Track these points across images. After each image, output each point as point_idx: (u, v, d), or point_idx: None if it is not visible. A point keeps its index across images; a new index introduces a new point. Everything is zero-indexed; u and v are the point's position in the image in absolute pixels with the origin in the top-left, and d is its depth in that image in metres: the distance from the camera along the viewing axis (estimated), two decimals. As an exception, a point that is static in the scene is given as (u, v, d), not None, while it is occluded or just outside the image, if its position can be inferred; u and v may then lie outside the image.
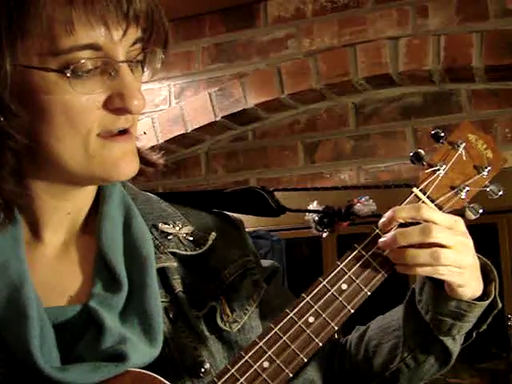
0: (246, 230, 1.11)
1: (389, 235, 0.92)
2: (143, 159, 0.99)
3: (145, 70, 0.92)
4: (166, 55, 0.93)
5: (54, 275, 0.93)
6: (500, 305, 1.00)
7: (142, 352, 0.87)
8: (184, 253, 0.98)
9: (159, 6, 0.89)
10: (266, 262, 1.12)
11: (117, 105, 0.85)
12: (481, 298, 0.97)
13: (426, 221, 0.91)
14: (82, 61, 0.82)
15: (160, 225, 0.99)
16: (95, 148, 0.86)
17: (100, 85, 0.84)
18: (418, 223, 0.92)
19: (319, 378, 1.07)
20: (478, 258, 0.96)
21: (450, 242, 0.90)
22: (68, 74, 0.81)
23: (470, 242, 0.93)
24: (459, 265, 0.91)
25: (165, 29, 0.91)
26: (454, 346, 1.00)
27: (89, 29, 0.81)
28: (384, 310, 1.10)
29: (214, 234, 1.02)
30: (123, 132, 0.88)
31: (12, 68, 0.81)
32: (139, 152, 0.99)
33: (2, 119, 0.83)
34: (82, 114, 0.84)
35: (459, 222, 0.93)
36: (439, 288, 0.96)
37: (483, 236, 2.61)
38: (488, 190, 0.98)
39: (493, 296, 0.99)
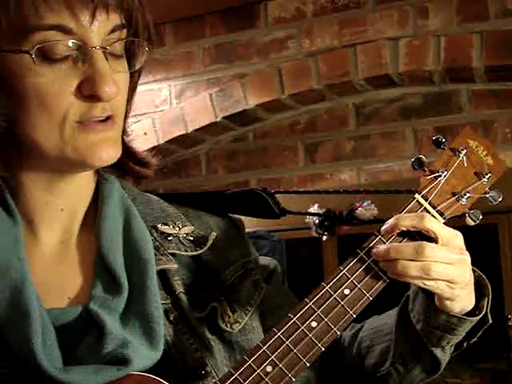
0: (247, 230, 1.11)
1: (382, 248, 0.92)
2: (136, 159, 1.00)
3: (134, 65, 0.93)
4: (152, 49, 0.92)
5: (53, 276, 0.93)
6: (490, 321, 1.00)
7: (143, 355, 0.87)
8: (184, 253, 0.98)
9: None
10: (264, 261, 1.12)
11: (88, 91, 0.85)
12: (472, 312, 0.98)
13: (427, 231, 0.92)
14: (51, 41, 0.82)
15: (160, 226, 0.99)
16: (70, 134, 0.86)
17: (73, 70, 0.85)
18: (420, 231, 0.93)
19: (315, 377, 1.08)
20: (474, 271, 0.97)
21: (444, 259, 0.91)
22: (33, 55, 0.82)
23: (467, 258, 0.93)
24: (451, 279, 0.91)
25: (146, 19, 0.91)
26: (443, 356, 1.01)
27: (54, 10, 0.82)
28: (384, 308, 1.10)
29: (214, 234, 1.02)
30: (104, 120, 0.88)
31: None
32: (133, 153, 0.99)
33: None
34: (54, 98, 0.84)
35: (458, 237, 0.93)
36: (431, 299, 0.97)
37: (484, 236, 2.61)
38: (488, 196, 0.99)
39: (484, 312, 0.99)
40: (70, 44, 0.84)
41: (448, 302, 0.94)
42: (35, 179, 0.92)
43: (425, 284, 0.91)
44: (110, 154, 0.89)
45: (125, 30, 0.89)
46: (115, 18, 0.87)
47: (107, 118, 0.88)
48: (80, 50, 0.84)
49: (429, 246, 0.90)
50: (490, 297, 1.00)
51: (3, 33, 0.82)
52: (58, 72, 0.84)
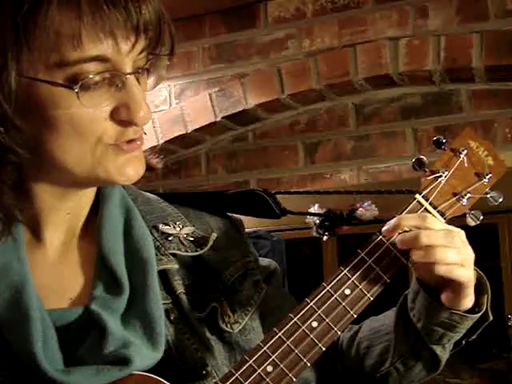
0: (247, 230, 1.11)
1: (412, 233, 0.92)
2: None
3: (150, 76, 0.92)
4: (171, 60, 0.92)
5: (54, 277, 0.93)
6: (491, 318, 1.01)
7: (144, 356, 0.87)
8: (185, 254, 0.98)
9: (164, 11, 0.88)
10: (264, 262, 1.12)
11: (123, 117, 0.85)
12: (472, 310, 0.98)
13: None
14: (91, 76, 0.81)
15: (160, 226, 0.99)
16: (101, 156, 0.86)
17: (107, 97, 0.84)
18: None
19: (313, 377, 1.08)
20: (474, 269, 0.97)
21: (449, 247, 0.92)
22: (76, 90, 0.81)
23: (471, 253, 0.94)
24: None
25: (171, 35, 0.90)
26: (443, 354, 1.02)
27: (97, 42, 0.80)
28: (383, 308, 1.11)
29: (214, 235, 1.02)
30: (130, 140, 0.88)
31: (17, 80, 0.80)
32: None
33: (3, 133, 0.82)
34: (88, 125, 0.84)
35: (461, 235, 0.94)
36: (433, 298, 0.97)
37: (483, 236, 2.61)
38: (488, 196, 0.99)
39: (484, 309, 0.99)
40: (107, 74, 0.83)
41: (464, 300, 0.95)
42: (50, 190, 0.92)
43: (458, 273, 0.92)
44: (138, 172, 0.90)
45: (151, 47, 0.88)
46: (143, 41, 0.85)
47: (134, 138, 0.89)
48: (115, 76, 0.84)
49: (456, 233, 0.92)
50: (490, 294, 1.00)
51: (39, 62, 0.80)
52: (92, 100, 0.82)
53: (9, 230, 0.90)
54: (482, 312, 0.99)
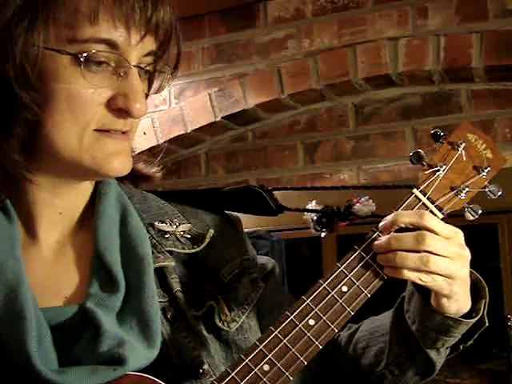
0: (246, 230, 1.11)
1: (383, 239, 0.92)
2: (140, 173, 1.01)
3: (152, 86, 0.95)
4: (174, 76, 0.95)
5: (49, 275, 0.92)
6: (487, 324, 1.00)
7: (140, 354, 0.87)
8: (181, 251, 0.98)
9: (178, 27, 0.92)
10: (262, 259, 1.12)
11: (119, 105, 0.87)
12: (468, 314, 0.97)
13: (426, 229, 0.91)
14: (93, 51, 0.84)
15: (157, 223, 0.99)
16: (89, 142, 0.87)
17: (108, 82, 0.86)
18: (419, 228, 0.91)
19: (312, 377, 1.07)
20: (471, 273, 0.96)
21: (443, 252, 0.90)
22: (81, 59, 0.84)
23: (466, 254, 0.93)
24: (449, 274, 0.91)
25: (179, 49, 0.94)
26: (438, 358, 1.00)
27: (111, 25, 0.84)
28: (381, 307, 1.10)
29: (211, 232, 1.02)
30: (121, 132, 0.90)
31: (36, 48, 0.84)
32: (136, 166, 1.00)
33: (25, 92, 0.84)
34: (84, 105, 0.86)
35: (459, 235, 0.93)
36: (427, 300, 0.96)
37: (483, 236, 2.61)
38: (487, 190, 0.98)
39: (481, 314, 0.98)
40: (114, 58, 0.86)
41: (445, 300, 0.93)
42: (41, 182, 0.92)
43: (421, 280, 0.90)
44: (125, 166, 0.90)
45: (158, 54, 0.92)
46: (152, 43, 0.89)
47: (123, 132, 0.90)
48: (119, 65, 0.86)
49: (430, 235, 0.90)
50: (487, 299, 0.99)
51: (54, 36, 0.84)
52: (92, 81, 0.85)
53: (6, 191, 0.91)
54: (477, 317, 0.98)
